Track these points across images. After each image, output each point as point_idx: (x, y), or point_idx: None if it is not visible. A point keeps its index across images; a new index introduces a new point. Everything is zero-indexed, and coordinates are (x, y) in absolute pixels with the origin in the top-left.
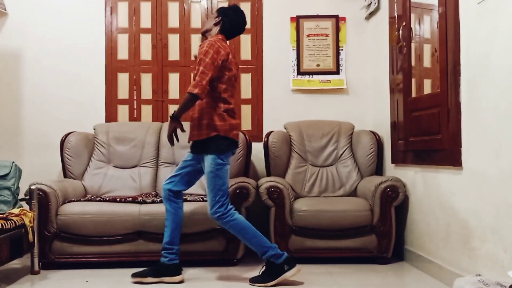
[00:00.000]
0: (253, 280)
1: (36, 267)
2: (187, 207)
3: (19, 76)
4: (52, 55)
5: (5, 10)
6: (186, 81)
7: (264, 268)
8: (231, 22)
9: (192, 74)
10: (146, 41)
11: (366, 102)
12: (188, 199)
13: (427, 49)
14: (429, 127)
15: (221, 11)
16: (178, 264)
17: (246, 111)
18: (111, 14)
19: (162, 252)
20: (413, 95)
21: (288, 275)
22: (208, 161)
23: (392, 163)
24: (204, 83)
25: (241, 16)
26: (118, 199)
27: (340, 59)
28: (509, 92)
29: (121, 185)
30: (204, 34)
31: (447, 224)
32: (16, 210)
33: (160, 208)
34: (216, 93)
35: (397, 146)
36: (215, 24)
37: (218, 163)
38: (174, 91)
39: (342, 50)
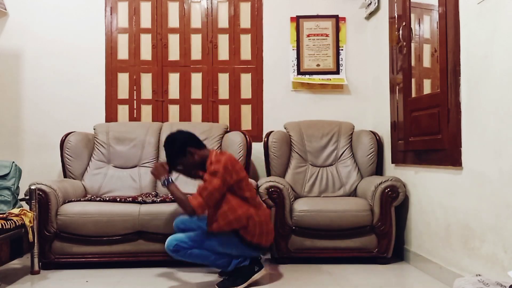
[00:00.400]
0: (221, 285)
1: (36, 267)
2: None
3: (19, 76)
4: (52, 55)
5: (5, 9)
6: (186, 81)
7: (228, 276)
8: (188, 141)
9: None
10: (146, 41)
11: (366, 102)
12: None
13: (427, 49)
14: (429, 127)
15: (176, 147)
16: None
17: (246, 111)
18: (111, 14)
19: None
20: (413, 95)
21: (257, 276)
22: None
23: (392, 163)
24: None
25: (183, 132)
26: (118, 199)
27: (340, 59)
28: (509, 92)
29: (121, 185)
30: (199, 176)
31: (447, 224)
32: (16, 210)
33: (160, 208)
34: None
35: (397, 146)
36: (191, 158)
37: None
38: (174, 91)
39: (342, 50)
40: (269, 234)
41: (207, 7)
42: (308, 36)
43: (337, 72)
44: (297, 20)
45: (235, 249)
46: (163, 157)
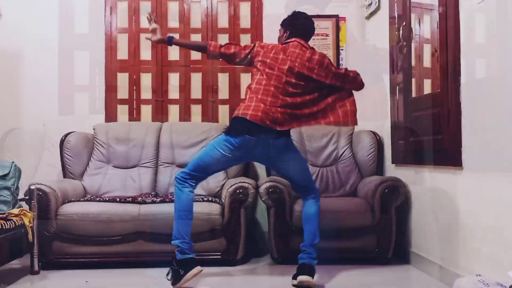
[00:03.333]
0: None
1: (36, 267)
2: None
3: (18, 76)
4: (51, 55)
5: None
6: (186, 81)
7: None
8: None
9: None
10: (146, 41)
11: (366, 102)
12: None
13: (427, 49)
14: (429, 127)
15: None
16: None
17: None
18: (110, 14)
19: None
20: (413, 95)
21: (186, 277)
22: None
23: (392, 163)
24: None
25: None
26: (117, 199)
27: (340, 59)
28: (509, 92)
29: (121, 185)
30: None
31: (447, 224)
32: (15, 210)
33: (160, 208)
34: None
35: (397, 146)
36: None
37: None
38: (174, 91)
39: (342, 50)
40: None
41: (207, 7)
42: None
43: None
44: None
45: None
46: (163, 157)
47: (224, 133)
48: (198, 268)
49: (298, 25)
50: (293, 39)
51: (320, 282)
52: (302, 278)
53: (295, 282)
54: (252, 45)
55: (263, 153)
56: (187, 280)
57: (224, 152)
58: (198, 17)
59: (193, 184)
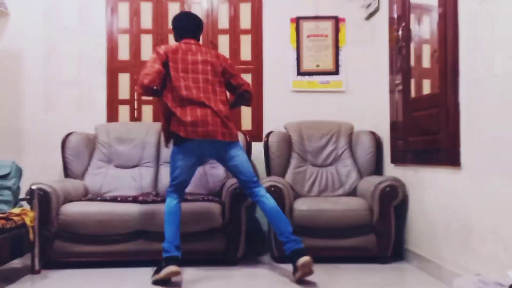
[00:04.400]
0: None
1: (37, 267)
2: (187, 207)
3: (20, 76)
4: (53, 55)
5: (6, 9)
6: None
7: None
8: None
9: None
10: (146, 41)
11: (366, 102)
12: (188, 198)
13: (426, 50)
14: (428, 127)
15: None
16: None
17: (246, 111)
18: (111, 15)
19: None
20: (413, 95)
21: (162, 274)
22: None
23: (391, 163)
24: None
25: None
26: (118, 199)
27: (339, 60)
28: (509, 92)
29: (122, 185)
30: None
31: (446, 223)
32: (17, 210)
33: (160, 208)
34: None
35: (396, 146)
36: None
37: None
38: None
39: (341, 50)
40: None
41: (207, 8)
42: (308, 36)
43: (336, 72)
44: (297, 21)
45: None
46: (163, 157)
47: (173, 143)
48: (175, 267)
49: (184, 26)
50: (186, 40)
51: (320, 282)
52: (302, 260)
53: (298, 274)
54: (161, 55)
55: (211, 150)
56: (160, 277)
57: (182, 161)
58: None
59: (177, 196)
